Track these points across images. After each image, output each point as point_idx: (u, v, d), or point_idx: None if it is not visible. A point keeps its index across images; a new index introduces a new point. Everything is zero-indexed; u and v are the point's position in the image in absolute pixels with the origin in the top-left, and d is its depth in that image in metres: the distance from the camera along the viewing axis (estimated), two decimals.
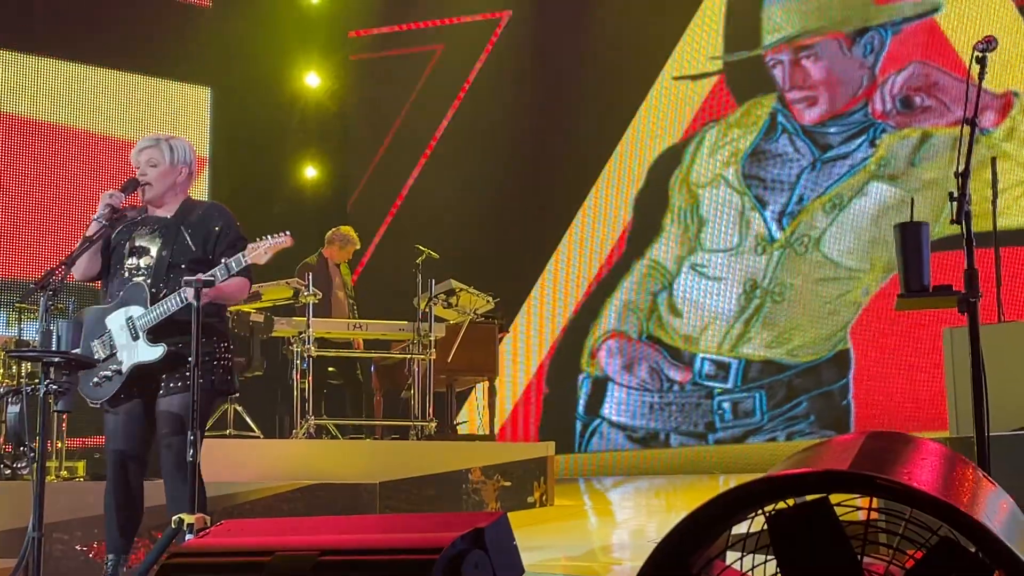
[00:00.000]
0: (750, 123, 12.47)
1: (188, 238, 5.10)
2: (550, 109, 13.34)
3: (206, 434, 5.46)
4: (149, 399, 5.08)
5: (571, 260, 13.61)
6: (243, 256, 4.90)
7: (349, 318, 9.98)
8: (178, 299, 4.88)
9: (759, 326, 12.19)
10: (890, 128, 11.75)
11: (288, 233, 4.96)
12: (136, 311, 5.00)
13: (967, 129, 3.91)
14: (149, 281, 5.04)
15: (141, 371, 5.01)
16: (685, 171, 12.86)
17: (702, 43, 12.99)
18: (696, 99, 12.91)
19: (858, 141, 11.84)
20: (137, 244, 5.12)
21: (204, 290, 4.75)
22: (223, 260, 4.93)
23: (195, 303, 4.68)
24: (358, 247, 10.49)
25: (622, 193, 13.35)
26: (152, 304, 4.98)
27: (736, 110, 12.66)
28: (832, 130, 12.02)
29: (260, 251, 4.92)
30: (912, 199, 4.30)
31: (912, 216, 4.06)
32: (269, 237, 4.95)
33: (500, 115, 13.35)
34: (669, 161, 13.03)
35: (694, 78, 12.93)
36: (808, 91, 12.21)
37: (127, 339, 5.02)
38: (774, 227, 12.19)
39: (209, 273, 4.84)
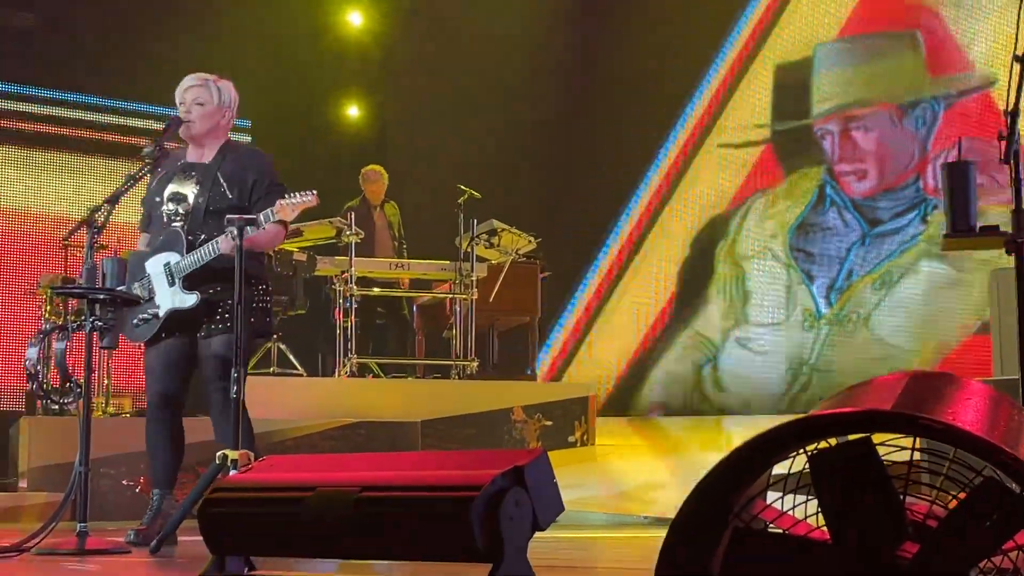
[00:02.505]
0: (798, 194, 12.04)
1: (225, 186, 5.14)
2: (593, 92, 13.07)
3: (249, 372, 5.53)
4: (190, 340, 5.15)
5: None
6: (271, 212, 4.92)
7: (397, 258, 9.99)
8: (212, 248, 4.94)
9: (803, 405, 11.70)
10: (943, 205, 11.27)
11: (315, 192, 4.99)
12: (173, 257, 5.06)
13: (1016, 67, 3.85)
14: (186, 228, 5.09)
15: (179, 315, 5.09)
16: (731, 242, 12.48)
17: (749, 110, 12.58)
18: (743, 168, 12.52)
19: (909, 216, 11.28)
20: (174, 191, 5.17)
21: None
22: (258, 215, 4.98)
23: (238, 241, 4.72)
24: (385, 182, 10.46)
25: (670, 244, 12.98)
26: (189, 251, 5.03)
27: (784, 180, 12.24)
28: (882, 204, 11.54)
29: (287, 207, 4.95)
30: (960, 140, 4.24)
31: (960, 156, 4.01)
32: (297, 195, 4.97)
33: (545, 62, 13.12)
34: (714, 231, 12.61)
35: (739, 147, 12.55)
36: (858, 163, 11.72)
37: (165, 284, 5.08)
38: (822, 303, 11.74)
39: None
